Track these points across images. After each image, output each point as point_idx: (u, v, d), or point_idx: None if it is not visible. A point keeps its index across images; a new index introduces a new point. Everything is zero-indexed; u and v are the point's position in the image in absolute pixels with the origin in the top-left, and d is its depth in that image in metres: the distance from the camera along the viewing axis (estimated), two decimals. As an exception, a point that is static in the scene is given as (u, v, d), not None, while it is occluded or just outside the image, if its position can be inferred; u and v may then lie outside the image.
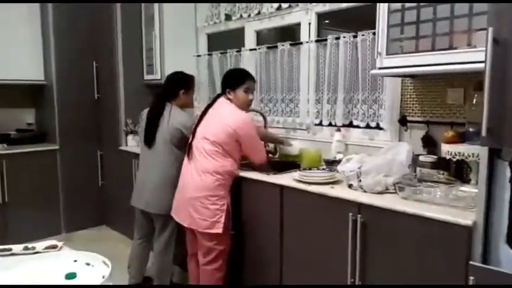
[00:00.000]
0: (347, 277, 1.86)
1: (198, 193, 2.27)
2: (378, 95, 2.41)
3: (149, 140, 2.62)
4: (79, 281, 1.30)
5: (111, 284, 1.30)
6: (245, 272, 2.44)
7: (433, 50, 1.77)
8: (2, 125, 3.90)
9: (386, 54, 1.92)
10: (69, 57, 3.85)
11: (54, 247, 1.60)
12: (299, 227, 2.12)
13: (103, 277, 1.31)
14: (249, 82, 2.43)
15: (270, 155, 2.93)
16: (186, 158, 2.44)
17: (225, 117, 2.29)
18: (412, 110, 2.27)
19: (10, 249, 1.56)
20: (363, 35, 2.40)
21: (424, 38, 1.79)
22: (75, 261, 1.45)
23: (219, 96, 2.46)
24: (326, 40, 2.60)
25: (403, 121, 2.29)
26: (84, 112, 4.01)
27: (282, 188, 2.17)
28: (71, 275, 1.32)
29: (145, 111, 2.72)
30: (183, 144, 2.54)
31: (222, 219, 2.25)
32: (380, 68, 1.96)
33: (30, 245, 1.60)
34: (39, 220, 3.73)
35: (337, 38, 2.53)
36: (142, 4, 3.71)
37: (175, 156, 2.58)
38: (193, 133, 2.40)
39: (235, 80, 2.42)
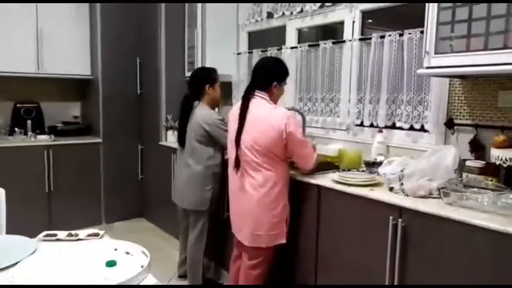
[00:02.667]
0: (385, 283, 1.80)
1: (258, 210, 2.12)
2: (424, 96, 2.32)
3: (181, 139, 2.74)
4: (119, 269, 1.34)
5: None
6: (280, 271, 2.42)
7: (485, 49, 1.68)
8: (50, 117, 4.09)
9: (435, 54, 1.85)
10: (114, 53, 3.98)
11: (96, 235, 1.65)
12: (336, 229, 2.08)
13: (141, 266, 1.33)
14: None
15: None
16: (233, 172, 2.25)
17: (271, 118, 2.07)
18: (460, 112, 2.17)
19: (55, 235, 1.63)
20: (410, 34, 2.32)
21: (476, 37, 1.70)
22: (116, 249, 1.49)
23: (248, 93, 2.20)
24: (370, 39, 2.53)
25: (449, 124, 2.19)
26: (127, 107, 4.14)
27: (319, 188, 2.13)
28: (111, 263, 1.36)
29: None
30: (211, 142, 2.62)
31: (285, 229, 2.18)
32: (427, 68, 1.88)
33: (73, 232, 1.66)
34: (81, 210, 3.88)
35: (382, 37, 2.46)
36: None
37: (204, 154, 2.65)
38: (237, 144, 2.17)
39: (285, 72, 2.25)
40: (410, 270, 1.74)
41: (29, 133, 3.77)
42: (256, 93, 2.18)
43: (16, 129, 3.75)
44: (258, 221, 2.15)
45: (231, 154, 2.27)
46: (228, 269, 2.61)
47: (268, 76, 2.19)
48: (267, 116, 2.10)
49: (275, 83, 2.18)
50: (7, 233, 1.96)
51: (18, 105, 3.88)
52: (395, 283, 1.77)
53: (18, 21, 3.64)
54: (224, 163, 2.64)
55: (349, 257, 2.01)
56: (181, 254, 3.02)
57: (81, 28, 4.02)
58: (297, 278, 2.32)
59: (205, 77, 2.73)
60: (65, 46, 3.92)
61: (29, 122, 3.84)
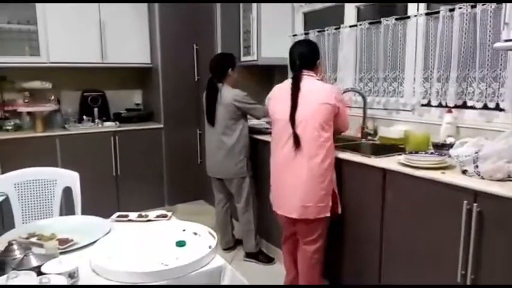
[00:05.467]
0: (457, 269, 1.71)
1: (309, 181, 2.19)
2: (499, 72, 2.14)
3: (211, 119, 3.01)
4: (188, 249, 1.38)
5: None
6: (342, 260, 2.38)
7: None
8: (114, 105, 4.28)
9: (515, 24, 1.69)
10: (172, 41, 4.06)
11: (164, 216, 1.71)
12: (402, 214, 1.99)
13: (209, 247, 1.36)
14: None
15: (369, 137, 2.82)
16: (279, 147, 2.31)
17: (322, 93, 2.22)
18: (542, 88, 1.99)
19: (127, 216, 1.71)
20: (484, 5, 2.13)
21: None
22: (184, 230, 1.54)
23: (298, 75, 2.28)
24: (438, 12, 2.37)
25: (529, 101, 2.02)
26: (186, 93, 4.22)
27: (385, 171, 2.05)
28: (181, 243, 1.40)
29: (205, 93, 3.11)
30: (241, 116, 2.95)
31: (330, 203, 2.24)
32: (506, 41, 1.73)
33: (143, 213, 1.73)
34: (146, 193, 4.05)
35: (452, 10, 2.29)
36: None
37: (236, 128, 2.96)
38: (292, 121, 2.22)
39: (319, 50, 2.47)
40: (487, 256, 1.63)
41: (96, 120, 3.97)
42: (304, 73, 2.29)
43: (84, 116, 3.96)
44: (309, 192, 2.20)
45: (283, 132, 2.27)
46: (280, 247, 2.65)
47: (312, 56, 2.35)
48: (318, 91, 2.25)
49: (318, 60, 2.38)
50: (82, 213, 2.09)
51: (85, 94, 4.09)
52: (469, 273, 1.67)
53: (83, 16, 3.81)
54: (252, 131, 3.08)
55: (417, 245, 1.92)
56: (218, 225, 3.27)
57: (140, 19, 4.13)
58: (360, 267, 2.27)
59: (228, 61, 3.03)
60: (126, 37, 4.05)
61: (95, 109, 4.04)
